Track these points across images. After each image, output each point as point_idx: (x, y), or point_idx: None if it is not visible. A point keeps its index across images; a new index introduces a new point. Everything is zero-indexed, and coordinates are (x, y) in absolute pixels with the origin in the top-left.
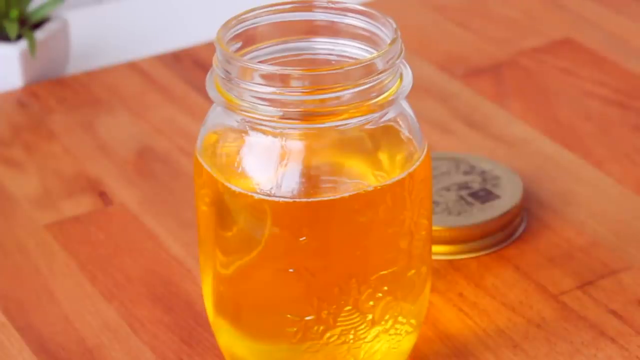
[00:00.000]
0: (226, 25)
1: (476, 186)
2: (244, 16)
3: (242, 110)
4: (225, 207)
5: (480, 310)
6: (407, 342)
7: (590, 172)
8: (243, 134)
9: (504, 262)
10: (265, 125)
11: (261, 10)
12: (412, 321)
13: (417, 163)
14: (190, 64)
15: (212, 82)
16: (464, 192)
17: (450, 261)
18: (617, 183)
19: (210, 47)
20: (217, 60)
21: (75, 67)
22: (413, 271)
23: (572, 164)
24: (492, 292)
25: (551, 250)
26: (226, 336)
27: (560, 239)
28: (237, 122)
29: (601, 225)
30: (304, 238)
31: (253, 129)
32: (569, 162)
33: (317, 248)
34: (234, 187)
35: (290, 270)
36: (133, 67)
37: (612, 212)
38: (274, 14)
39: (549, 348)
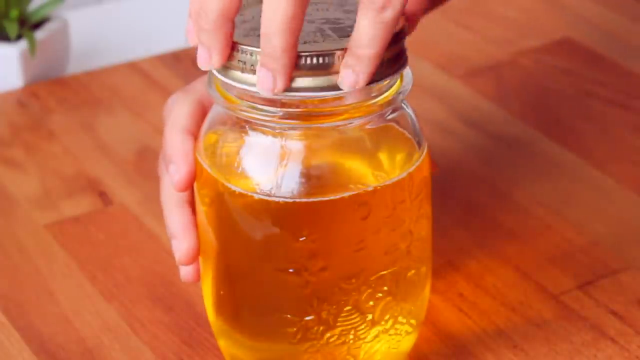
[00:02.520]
0: None
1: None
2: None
3: (242, 110)
4: (225, 207)
5: (480, 310)
6: (407, 342)
7: (590, 172)
8: (243, 134)
9: (504, 262)
10: (265, 125)
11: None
12: (412, 321)
13: (417, 163)
14: (190, 64)
15: (212, 82)
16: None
17: (450, 261)
18: (618, 183)
19: None
20: None
21: (75, 67)
22: (413, 271)
23: (572, 164)
24: (492, 292)
25: (551, 250)
26: (226, 336)
27: (560, 239)
28: (237, 122)
29: (601, 225)
30: (304, 238)
31: (253, 129)
32: (569, 162)
33: (317, 248)
34: (234, 187)
35: (290, 270)
36: (133, 67)
37: (612, 212)
38: None
39: (549, 348)
